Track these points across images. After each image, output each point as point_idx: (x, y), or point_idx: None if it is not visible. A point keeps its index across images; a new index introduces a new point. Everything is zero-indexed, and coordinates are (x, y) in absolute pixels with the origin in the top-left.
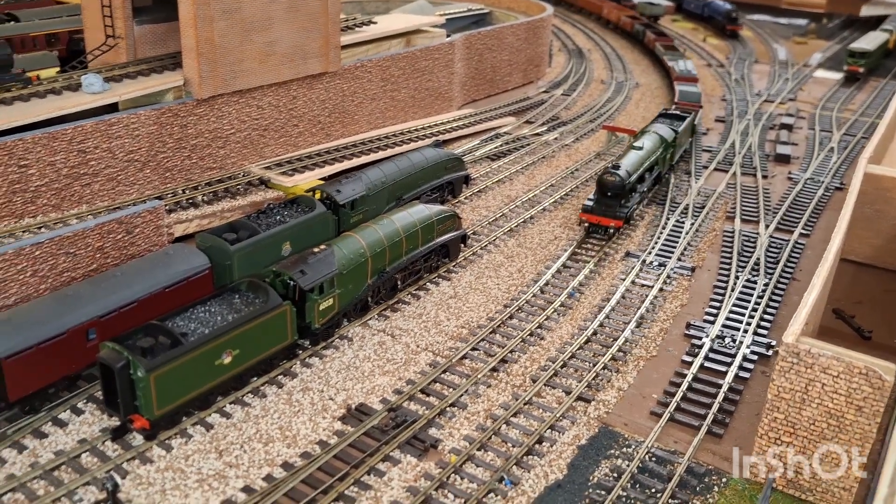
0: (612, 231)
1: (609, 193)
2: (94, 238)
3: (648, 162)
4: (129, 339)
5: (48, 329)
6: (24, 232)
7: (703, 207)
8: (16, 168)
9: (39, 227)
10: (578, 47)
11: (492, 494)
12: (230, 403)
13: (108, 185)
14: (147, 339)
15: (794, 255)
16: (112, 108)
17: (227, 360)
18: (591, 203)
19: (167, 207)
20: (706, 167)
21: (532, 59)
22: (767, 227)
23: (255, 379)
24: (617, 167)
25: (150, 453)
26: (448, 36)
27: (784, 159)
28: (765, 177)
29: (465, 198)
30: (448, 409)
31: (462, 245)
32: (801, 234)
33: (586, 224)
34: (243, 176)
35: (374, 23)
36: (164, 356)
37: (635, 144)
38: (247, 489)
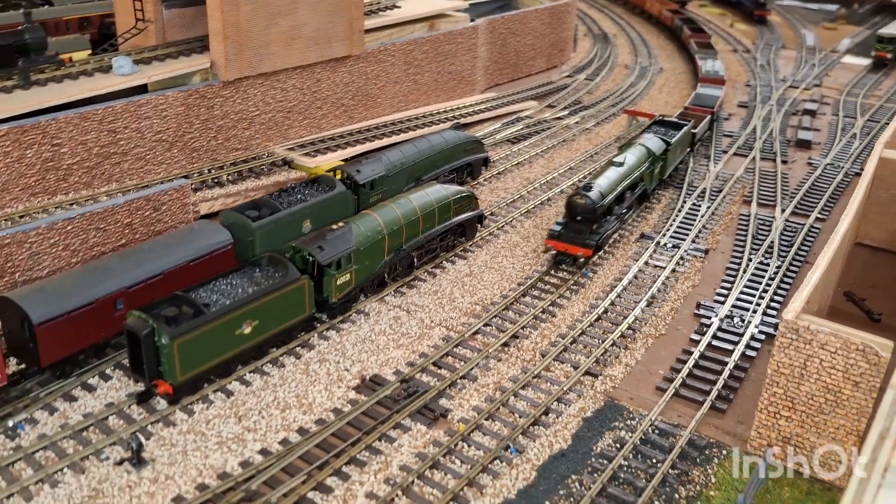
0: (581, 260)
1: (578, 217)
2: (122, 214)
3: (630, 180)
4: (154, 308)
5: (79, 298)
6: (56, 208)
7: (720, 191)
8: (49, 147)
9: (71, 204)
10: (604, 32)
11: (497, 461)
12: (250, 372)
13: (137, 165)
14: (171, 309)
15: (808, 238)
16: (141, 89)
17: (248, 330)
18: (558, 228)
19: (193, 186)
20: (725, 152)
21: (556, 44)
22: (783, 210)
23: (275, 350)
24: (589, 188)
25: (173, 417)
26: (471, 20)
27: (805, 145)
28: (784, 162)
29: (484, 180)
30: (459, 381)
31: (479, 225)
32: (817, 219)
33: (553, 252)
34: (267, 157)
35: (398, 7)
36: (187, 325)
37: (615, 160)
38: (264, 451)
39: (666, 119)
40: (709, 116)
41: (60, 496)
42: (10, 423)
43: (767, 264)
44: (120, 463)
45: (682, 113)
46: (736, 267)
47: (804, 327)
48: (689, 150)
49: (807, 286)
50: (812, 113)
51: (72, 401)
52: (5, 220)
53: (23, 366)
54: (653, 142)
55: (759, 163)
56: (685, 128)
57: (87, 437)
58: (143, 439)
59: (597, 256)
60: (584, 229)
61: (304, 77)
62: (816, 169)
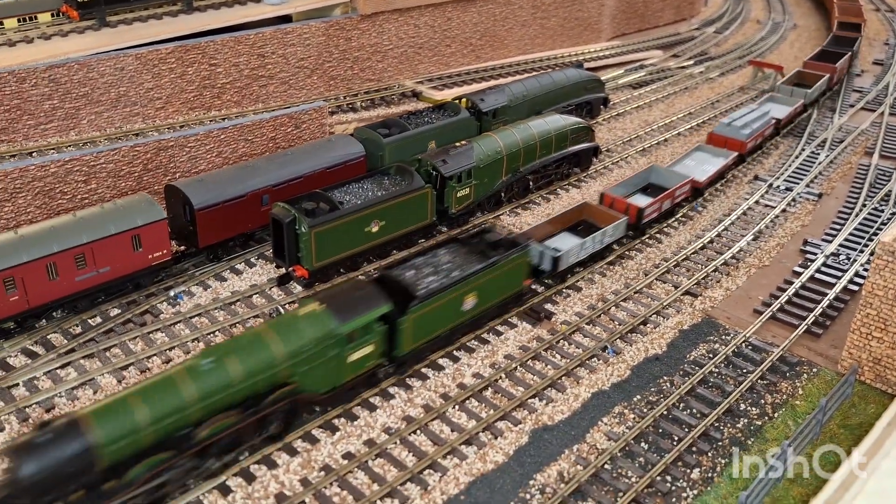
0: None
1: None
2: (268, 129)
3: (207, 408)
4: (296, 202)
5: (232, 190)
6: (211, 121)
7: (842, 142)
8: (207, 66)
9: (223, 119)
10: None
11: (595, 359)
12: (374, 269)
13: (281, 88)
14: (311, 203)
15: None
16: (287, 19)
17: (375, 228)
18: None
19: (329, 110)
20: (853, 106)
21: None
22: None
23: (396, 252)
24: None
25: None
26: None
27: None
28: None
29: (603, 119)
30: (564, 290)
31: (594, 158)
32: None
33: None
34: (398, 88)
35: None
36: (323, 217)
37: (202, 363)
38: None
39: (486, 238)
40: (622, 220)
41: None
42: (172, 293)
43: (882, 211)
44: None
45: (579, 207)
46: (848, 211)
47: None
48: (515, 293)
49: None
50: None
51: (222, 280)
52: (168, 127)
53: (183, 248)
54: (372, 305)
55: (886, 117)
56: (509, 255)
57: (235, 310)
58: (283, 311)
59: (708, 192)
60: None
61: (436, 15)
62: None
